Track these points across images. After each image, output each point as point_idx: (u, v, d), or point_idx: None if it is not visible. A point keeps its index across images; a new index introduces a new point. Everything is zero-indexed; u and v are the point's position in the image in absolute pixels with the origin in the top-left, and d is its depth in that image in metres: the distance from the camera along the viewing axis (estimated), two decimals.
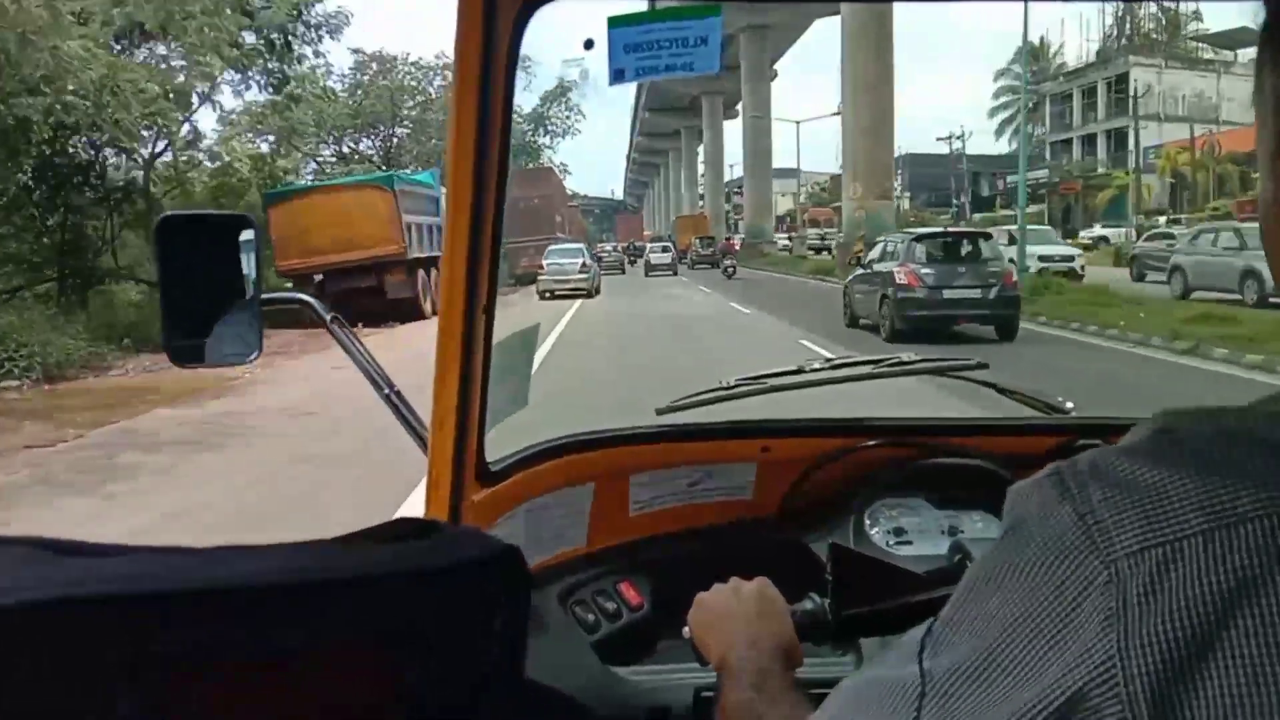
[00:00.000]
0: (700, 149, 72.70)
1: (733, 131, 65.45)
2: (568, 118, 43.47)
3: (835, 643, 1.08)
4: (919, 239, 14.50)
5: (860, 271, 16.03)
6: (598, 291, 27.18)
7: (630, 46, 1.03)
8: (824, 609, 0.99)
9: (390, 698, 0.41)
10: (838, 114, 35.62)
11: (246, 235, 1.23)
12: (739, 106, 62.48)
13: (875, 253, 15.64)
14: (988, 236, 15.46)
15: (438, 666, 0.41)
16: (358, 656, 0.40)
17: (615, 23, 1.02)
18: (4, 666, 0.34)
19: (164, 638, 0.36)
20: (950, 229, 19.56)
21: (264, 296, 1.24)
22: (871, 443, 1.47)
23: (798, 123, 54.81)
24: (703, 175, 72.75)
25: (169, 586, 0.36)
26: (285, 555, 0.40)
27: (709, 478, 1.46)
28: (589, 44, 1.03)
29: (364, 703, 0.40)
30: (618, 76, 1.03)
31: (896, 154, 63.81)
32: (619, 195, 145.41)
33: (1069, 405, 1.60)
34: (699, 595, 1.00)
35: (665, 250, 42.84)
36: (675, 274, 39.20)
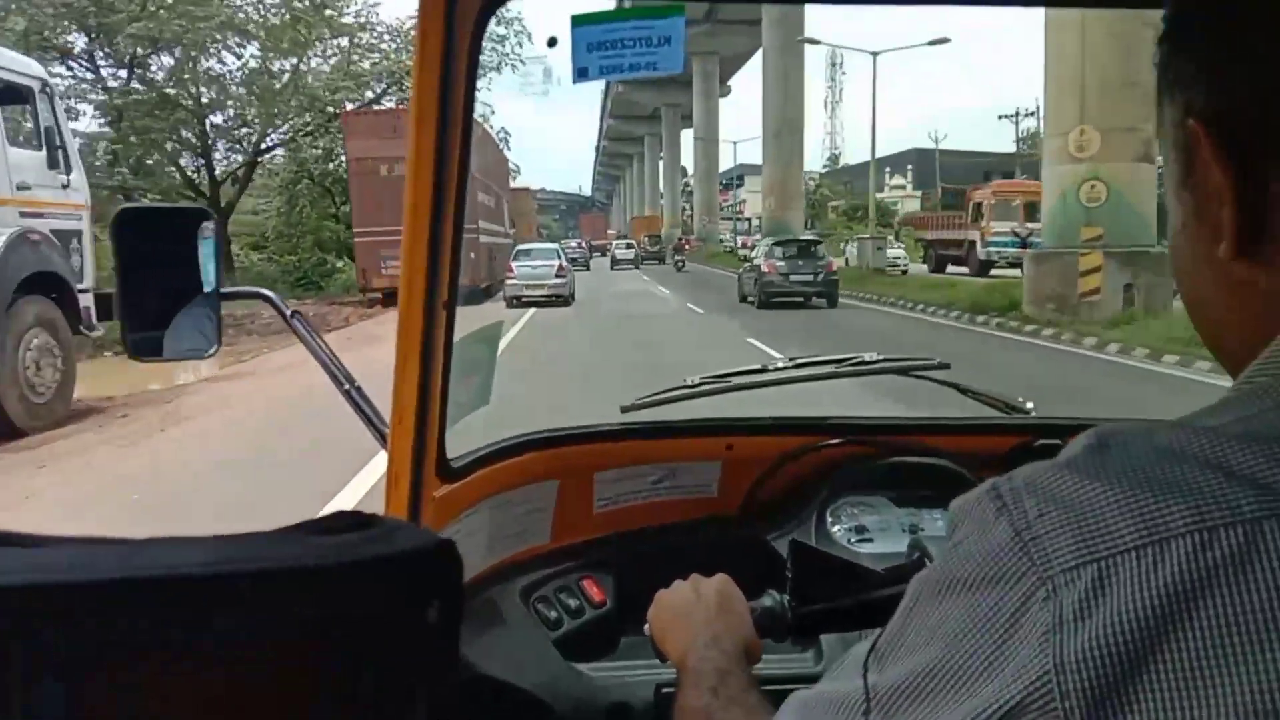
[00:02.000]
0: (662, 153, 74.60)
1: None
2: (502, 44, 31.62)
3: (795, 639, 1.09)
4: (777, 243, 22.09)
5: (745, 265, 24.33)
6: (573, 298, 23.54)
7: (594, 45, 1.03)
8: (783, 606, 1.00)
9: (324, 687, 0.41)
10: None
11: (207, 228, 1.21)
12: (731, 83, 65.40)
13: (756, 252, 23.56)
14: (819, 242, 23.72)
15: (371, 657, 0.41)
16: (290, 646, 0.40)
17: (579, 21, 1.02)
18: None
19: (93, 627, 0.36)
20: (792, 238, 24.13)
21: (223, 290, 1.23)
22: (834, 441, 1.48)
23: (734, 143, 55.03)
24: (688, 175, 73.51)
25: (98, 575, 0.36)
26: (218, 546, 0.40)
27: (673, 475, 1.46)
28: (552, 42, 1.03)
29: (297, 692, 0.40)
30: (581, 75, 1.03)
31: (906, 148, 78.24)
32: (587, 191, 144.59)
33: (1029, 405, 1.63)
34: (659, 592, 1.00)
35: (629, 248, 52.42)
36: (638, 267, 46.63)
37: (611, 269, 45.90)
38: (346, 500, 5.56)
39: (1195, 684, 0.41)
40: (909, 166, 78.94)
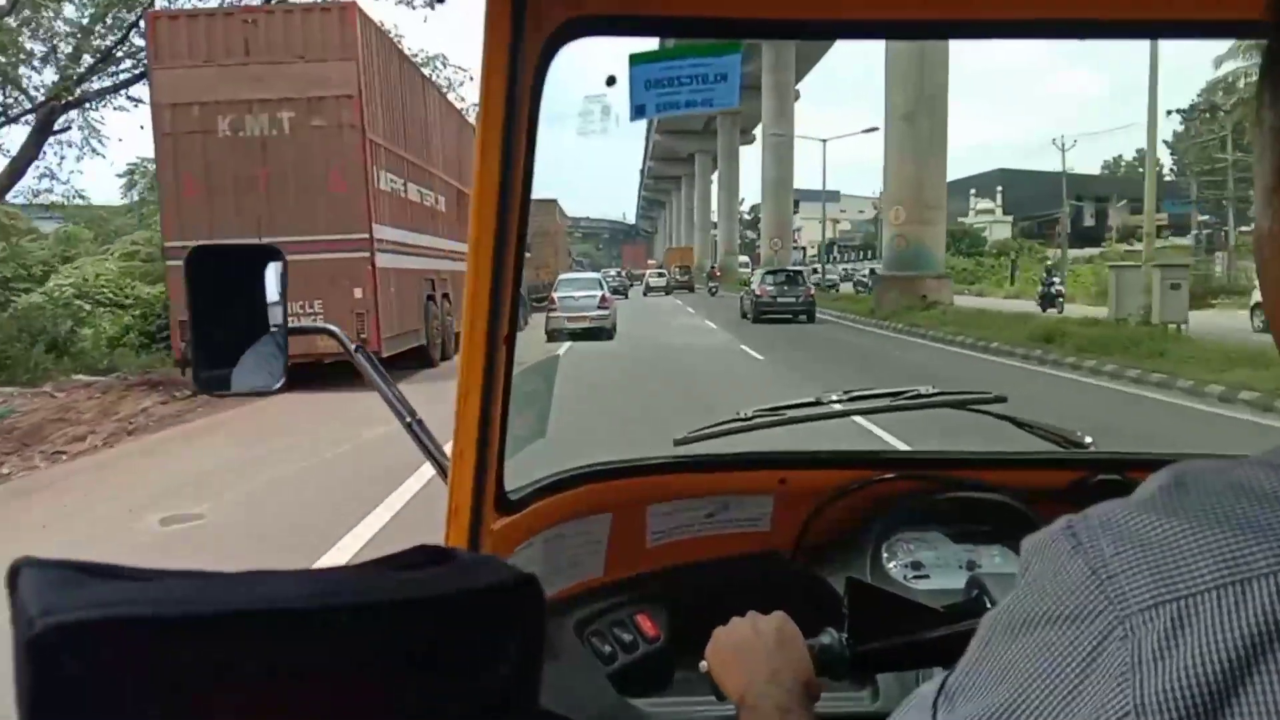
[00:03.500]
0: (715, 176, 75.90)
1: (751, 156, 69.10)
2: None
3: (853, 678, 1.08)
4: (769, 272, 28.43)
5: (745, 289, 30.69)
6: (615, 330, 21.77)
7: (651, 83, 1.05)
8: (841, 644, 0.99)
9: (414, 717, 0.42)
10: (871, 130, 31.79)
11: (275, 265, 1.24)
12: (755, 131, 65.63)
13: (753, 279, 29.53)
14: (799, 272, 29.03)
15: (453, 690, 0.42)
16: (374, 679, 0.41)
17: (636, 60, 1.04)
18: (41, 687, 0.35)
19: (190, 658, 0.37)
20: (781, 268, 29.92)
21: (291, 326, 1.26)
22: (889, 475, 1.46)
23: (824, 140, 43.24)
24: (742, 201, 74.56)
25: (196, 610, 0.38)
26: (305, 580, 0.41)
27: (726, 509, 1.46)
28: (611, 80, 1.05)
29: None
30: (639, 112, 1.05)
31: (993, 167, 68.93)
32: (631, 219, 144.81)
33: (1088, 440, 1.60)
34: (717, 629, 1.00)
35: (660, 276, 56.18)
36: (668, 294, 50.23)
37: (645, 295, 50.33)
38: None
39: None
40: (998, 188, 71.70)
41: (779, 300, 26.03)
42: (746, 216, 76.42)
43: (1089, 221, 51.56)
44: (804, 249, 68.71)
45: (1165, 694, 0.42)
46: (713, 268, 56.92)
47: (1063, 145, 48.21)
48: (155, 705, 0.37)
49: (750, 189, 67.11)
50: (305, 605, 0.40)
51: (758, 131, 65.52)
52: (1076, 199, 51.74)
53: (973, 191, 71.03)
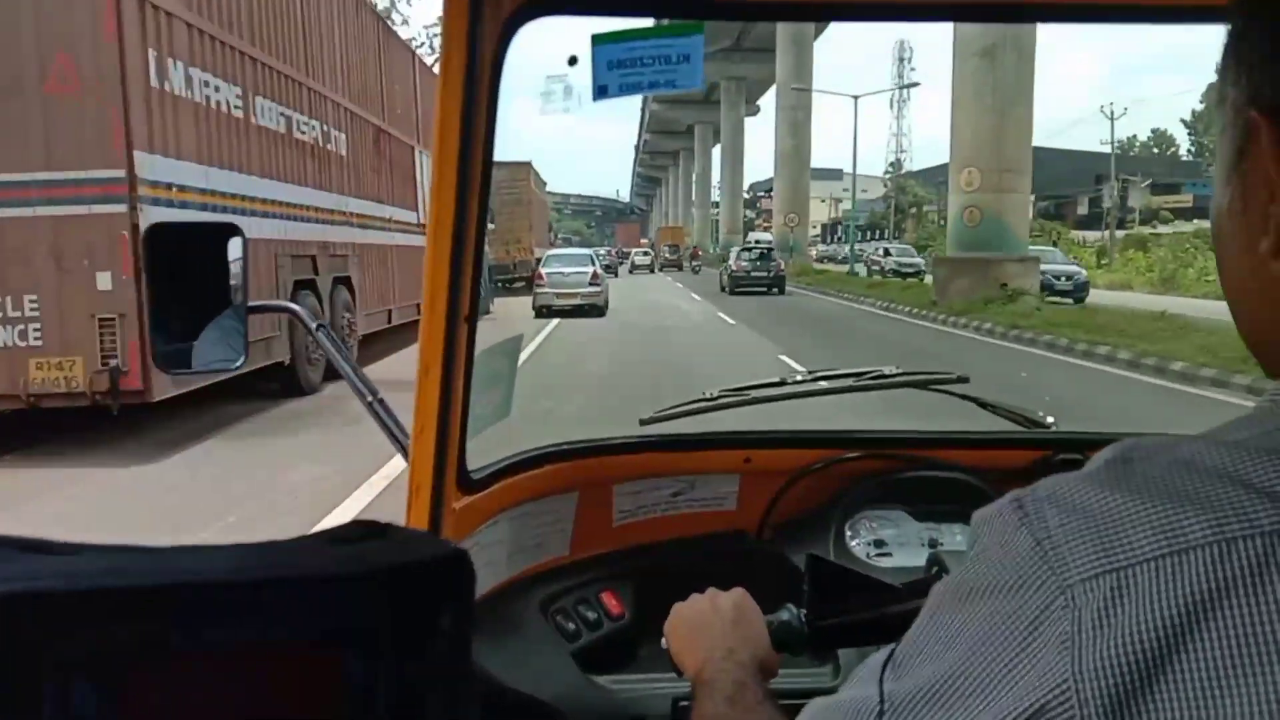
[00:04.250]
0: (716, 149, 72.92)
1: (755, 129, 66.31)
2: None
3: (812, 653, 1.09)
4: (744, 249, 31.73)
5: (723, 264, 33.48)
6: (607, 307, 21.22)
7: (613, 63, 1.04)
8: (800, 620, 1.00)
9: (338, 693, 0.42)
10: (912, 85, 31.73)
11: (236, 242, 1.24)
12: (761, 101, 64.75)
13: (730, 255, 31.97)
14: (771, 249, 31.48)
15: (385, 664, 0.42)
16: (306, 653, 0.41)
17: (599, 40, 1.04)
18: None
19: (124, 631, 0.37)
20: (755, 245, 33.30)
21: (251, 304, 1.25)
22: (853, 455, 1.48)
23: (855, 97, 36.42)
24: (718, 182, 70.84)
25: (124, 582, 0.38)
26: (237, 554, 0.42)
27: (692, 488, 1.47)
28: (573, 60, 1.05)
29: (312, 697, 0.42)
30: (601, 92, 1.05)
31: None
32: (625, 196, 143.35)
33: (1049, 420, 1.62)
34: (676, 605, 1.01)
35: (645, 255, 57.92)
36: (653, 272, 52.12)
37: (630, 272, 51.64)
38: None
39: (1211, 693, 0.41)
40: None
41: (752, 274, 28.82)
42: (745, 195, 74.64)
43: (1106, 203, 48.50)
44: (807, 229, 67.40)
45: (1102, 662, 0.43)
46: (694, 248, 57.66)
47: (1112, 113, 45.69)
48: (79, 678, 0.37)
49: (752, 166, 65.48)
50: (230, 579, 0.40)
51: (764, 102, 64.18)
52: (1095, 179, 48.50)
53: None
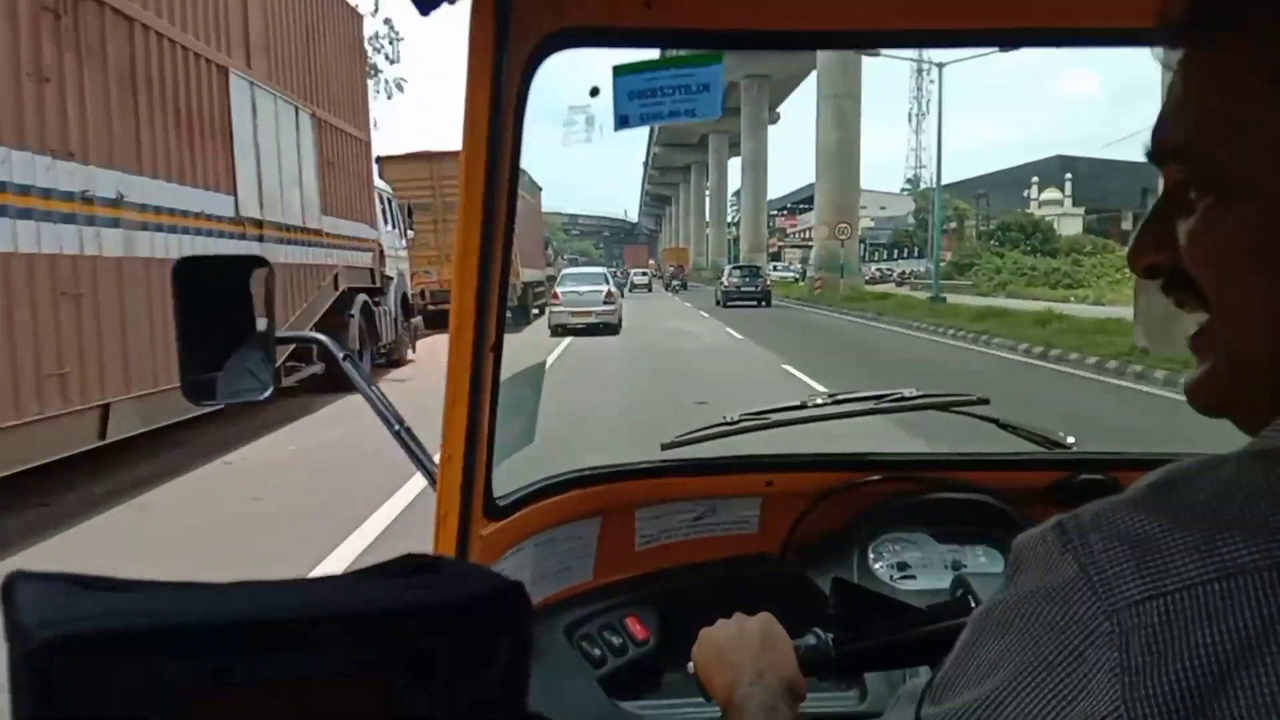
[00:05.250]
0: (732, 161, 71.37)
1: (777, 140, 65.18)
2: None
3: (839, 677, 1.09)
4: (735, 268, 36.76)
5: (718, 281, 36.99)
6: (620, 325, 21.29)
7: (634, 93, 1.06)
8: (827, 644, 0.99)
9: None
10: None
11: (260, 274, 1.25)
12: (779, 109, 63.23)
13: (724, 274, 36.63)
14: (758, 267, 36.99)
15: (441, 697, 0.42)
16: (365, 686, 0.41)
17: (620, 71, 1.05)
18: (41, 698, 0.36)
19: (187, 670, 0.38)
20: (746, 264, 38.89)
21: (278, 335, 1.27)
22: (875, 477, 1.48)
23: (940, 65, 28.84)
24: (734, 196, 69.55)
25: (193, 620, 0.39)
26: (301, 590, 0.43)
27: (714, 512, 1.47)
28: (595, 91, 1.06)
29: None
30: (622, 122, 1.06)
31: (1053, 154, 62.86)
32: (633, 216, 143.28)
33: (1070, 440, 1.61)
34: (703, 630, 1.01)
35: (643, 275, 59.67)
36: (650, 290, 53.82)
37: (630, 291, 52.73)
38: None
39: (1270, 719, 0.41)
40: (1066, 176, 61.41)
41: (742, 290, 33.37)
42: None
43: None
44: (857, 241, 64.76)
45: (1156, 690, 0.43)
46: (679, 266, 61.43)
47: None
48: (152, 715, 0.38)
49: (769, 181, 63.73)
50: (296, 615, 0.41)
51: (785, 109, 62.51)
52: (1142, 193, 44.86)
53: (1035, 180, 62.44)
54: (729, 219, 75.97)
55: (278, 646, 0.40)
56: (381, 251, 13.39)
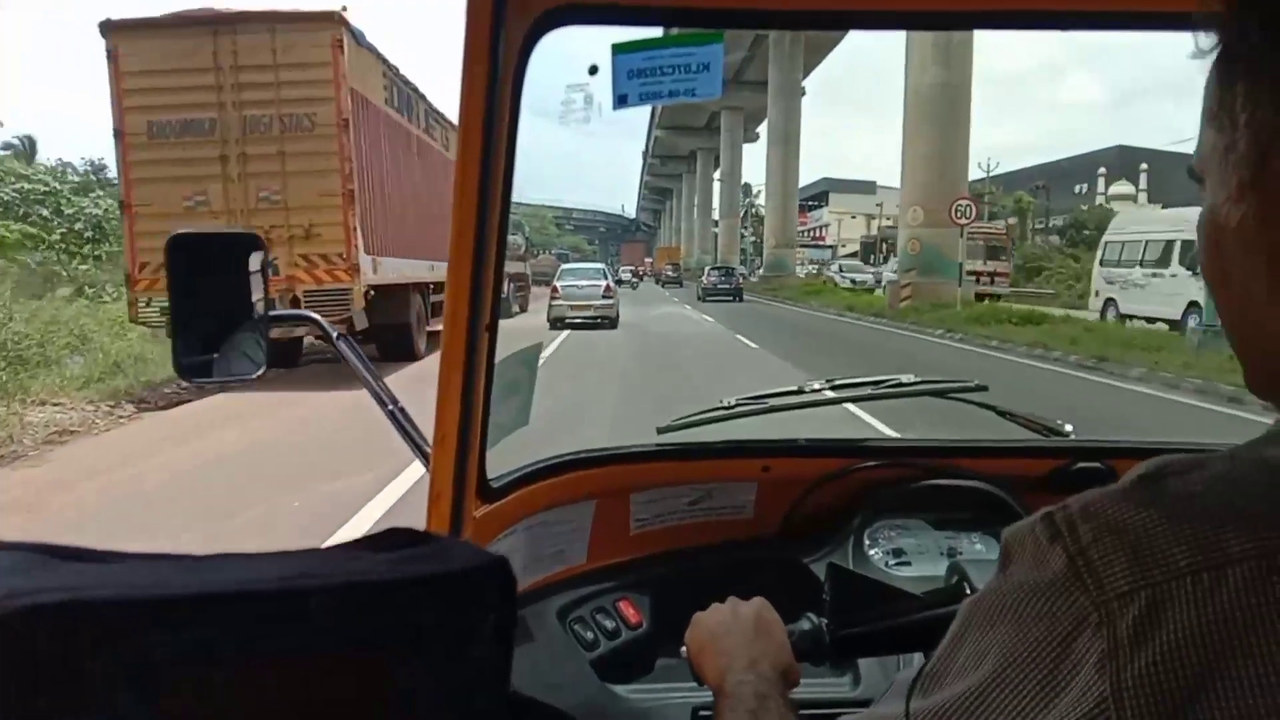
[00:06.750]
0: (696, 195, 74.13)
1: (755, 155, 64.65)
2: None
3: (833, 663, 1.09)
4: (713, 268, 43.40)
5: (700, 279, 43.19)
6: (618, 320, 21.58)
7: (634, 72, 1.05)
8: (821, 629, 0.99)
9: (381, 699, 0.42)
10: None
11: (256, 254, 1.24)
12: (759, 130, 62.07)
13: (704, 273, 43.32)
14: (733, 268, 43.27)
15: (428, 670, 0.42)
16: (350, 659, 0.41)
17: (620, 49, 1.04)
18: (9, 668, 0.35)
19: (163, 640, 0.37)
20: (720, 265, 44.90)
21: (272, 314, 1.26)
22: (871, 463, 1.48)
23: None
24: (759, 191, 66.85)
25: (168, 592, 0.38)
26: (281, 562, 0.42)
27: (710, 497, 1.46)
28: (593, 70, 1.05)
29: (356, 703, 0.42)
30: (621, 101, 1.05)
31: (1128, 143, 54.93)
32: (630, 211, 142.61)
33: (1068, 428, 1.61)
34: (696, 615, 1.00)
35: (631, 274, 62.56)
36: (636, 288, 54.46)
37: (618, 284, 53.60)
38: None
39: (1256, 710, 0.41)
40: (1143, 167, 55.31)
41: (718, 287, 39.20)
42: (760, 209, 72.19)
43: None
44: (833, 248, 62.16)
45: (1141, 679, 0.43)
46: (674, 265, 64.95)
47: None
48: (125, 687, 0.37)
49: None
50: (275, 588, 0.40)
51: (762, 129, 60.19)
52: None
53: (1101, 173, 57.55)
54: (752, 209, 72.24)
55: (263, 621, 0.39)
56: None
